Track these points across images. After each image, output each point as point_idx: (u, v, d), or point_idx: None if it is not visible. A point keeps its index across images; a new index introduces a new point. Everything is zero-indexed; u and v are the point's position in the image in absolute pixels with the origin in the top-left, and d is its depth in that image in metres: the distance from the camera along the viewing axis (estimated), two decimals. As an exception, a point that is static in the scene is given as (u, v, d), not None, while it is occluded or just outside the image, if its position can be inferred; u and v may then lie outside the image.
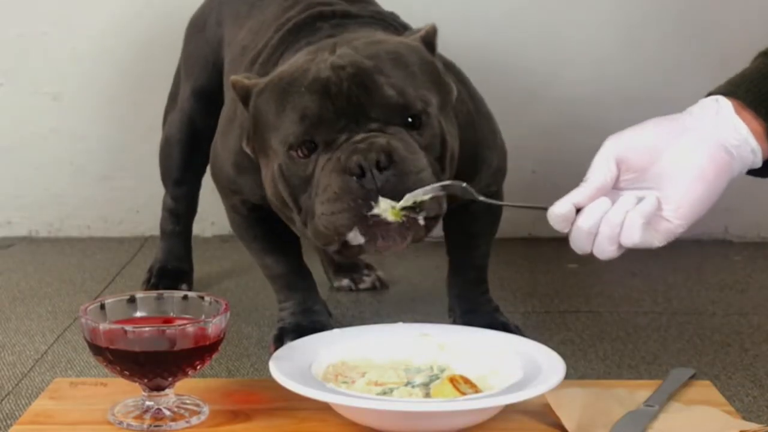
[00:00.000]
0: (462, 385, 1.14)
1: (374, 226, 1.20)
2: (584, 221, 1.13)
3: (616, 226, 1.10)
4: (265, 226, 1.50)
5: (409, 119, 1.23)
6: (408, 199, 1.17)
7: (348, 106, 1.22)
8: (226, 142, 1.46)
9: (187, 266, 1.85)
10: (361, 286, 1.82)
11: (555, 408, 1.16)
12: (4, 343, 1.57)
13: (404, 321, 1.46)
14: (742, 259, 2.07)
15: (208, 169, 1.83)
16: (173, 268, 1.83)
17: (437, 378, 1.19)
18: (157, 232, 1.90)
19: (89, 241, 2.23)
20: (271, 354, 1.25)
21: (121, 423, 1.16)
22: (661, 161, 1.11)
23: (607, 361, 1.48)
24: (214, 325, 1.15)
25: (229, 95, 1.52)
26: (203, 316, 1.18)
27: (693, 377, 1.29)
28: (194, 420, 1.16)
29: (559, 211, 1.15)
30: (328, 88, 1.22)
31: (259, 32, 1.54)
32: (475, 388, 1.15)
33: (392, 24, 1.46)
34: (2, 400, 1.34)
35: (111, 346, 1.13)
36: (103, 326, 1.13)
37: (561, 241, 2.35)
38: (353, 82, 1.22)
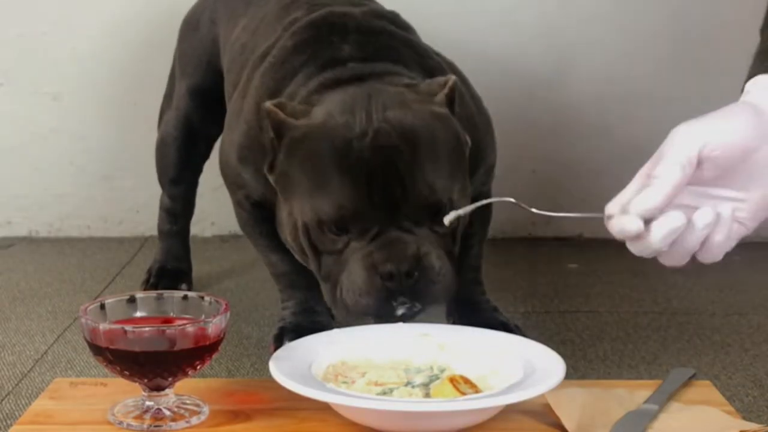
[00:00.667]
0: (462, 385, 1.14)
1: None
2: (657, 241, 1.01)
3: (693, 248, 1.03)
4: (271, 224, 1.50)
5: (435, 213, 1.27)
6: (448, 219, 1.20)
7: (384, 200, 1.26)
8: (232, 136, 1.46)
9: (186, 266, 1.85)
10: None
11: (555, 408, 1.16)
12: (4, 343, 1.57)
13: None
14: (742, 259, 2.07)
15: (206, 168, 1.84)
16: (172, 268, 1.83)
17: (437, 378, 1.19)
18: (157, 231, 1.90)
19: (89, 241, 2.23)
20: (271, 353, 1.25)
21: (121, 423, 1.16)
22: (752, 161, 1.02)
23: (607, 361, 1.48)
24: (214, 325, 1.15)
25: (234, 92, 1.52)
26: (203, 316, 1.18)
27: (693, 377, 1.29)
28: (194, 420, 1.16)
29: (629, 229, 1.01)
30: (368, 179, 1.25)
31: (258, 30, 1.53)
32: (475, 388, 1.15)
33: (400, 31, 1.46)
34: (2, 400, 1.34)
35: (111, 346, 1.12)
36: (103, 326, 1.13)
37: (561, 241, 2.36)
38: (391, 176, 1.25)
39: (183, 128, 1.77)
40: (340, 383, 1.17)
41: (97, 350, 1.15)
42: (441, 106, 1.32)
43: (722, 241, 1.03)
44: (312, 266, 1.34)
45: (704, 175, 1.02)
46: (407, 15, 1.53)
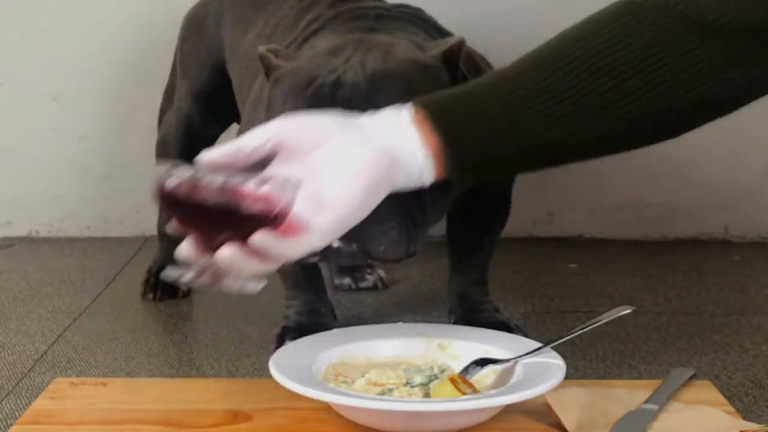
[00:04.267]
0: (462, 385, 1.14)
1: None
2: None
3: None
4: None
5: None
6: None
7: None
8: (251, 128, 1.45)
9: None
10: (362, 284, 1.83)
11: (555, 408, 1.16)
12: (4, 343, 1.57)
13: (404, 321, 1.46)
14: (742, 259, 2.07)
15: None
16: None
17: (437, 378, 1.19)
18: (156, 232, 1.90)
19: (89, 241, 2.23)
20: (271, 352, 1.25)
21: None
22: (325, 147, 1.05)
23: (607, 361, 1.48)
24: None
25: (256, 84, 1.51)
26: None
27: (693, 377, 1.29)
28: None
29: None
30: (319, 108, 1.17)
31: (273, 36, 1.53)
32: (474, 389, 1.15)
33: (423, 21, 1.43)
34: (2, 400, 1.34)
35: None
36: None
37: (561, 241, 2.36)
38: (346, 106, 1.17)
39: (184, 129, 1.77)
40: (340, 383, 1.17)
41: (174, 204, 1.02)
42: (432, 59, 1.25)
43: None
44: None
45: (282, 157, 1.05)
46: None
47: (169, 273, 1.06)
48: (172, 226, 1.05)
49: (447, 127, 1.06)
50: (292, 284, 1.53)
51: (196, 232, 1.03)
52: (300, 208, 1.01)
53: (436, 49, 1.26)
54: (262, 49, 1.28)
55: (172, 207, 1.03)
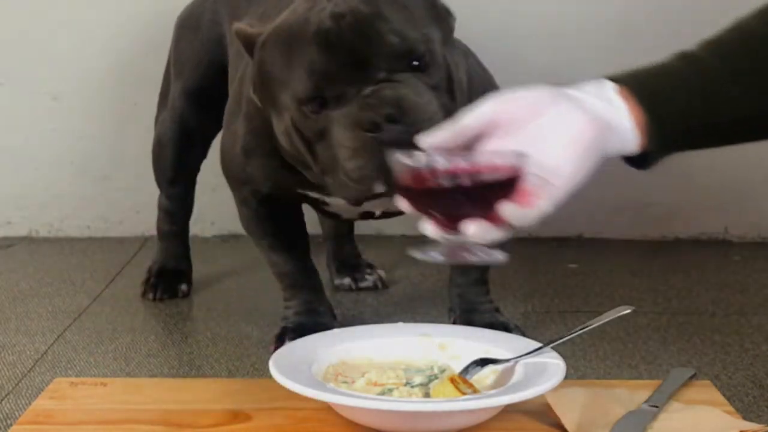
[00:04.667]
0: (462, 385, 1.14)
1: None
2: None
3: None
4: (274, 223, 1.50)
5: (415, 62, 1.24)
6: None
7: (353, 58, 1.22)
8: (233, 130, 1.45)
9: (186, 265, 1.85)
10: (362, 284, 1.83)
11: (555, 408, 1.16)
12: (4, 343, 1.57)
13: (404, 321, 1.46)
14: (742, 259, 2.07)
15: (205, 168, 1.84)
16: (172, 268, 1.83)
17: (437, 378, 1.19)
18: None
19: (89, 241, 2.23)
20: (271, 352, 1.25)
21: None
22: (542, 117, 1.09)
23: (607, 361, 1.48)
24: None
25: (232, 88, 1.52)
26: None
27: (693, 377, 1.29)
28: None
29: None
30: (331, 41, 1.23)
31: (261, 20, 1.53)
32: (474, 389, 1.15)
33: None
34: (2, 400, 1.34)
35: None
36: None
37: (561, 241, 2.36)
38: (355, 33, 1.22)
39: (179, 128, 1.77)
40: (340, 383, 1.17)
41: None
42: None
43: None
44: (314, 166, 1.29)
45: (501, 129, 1.09)
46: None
47: (416, 252, 1.09)
48: (408, 209, 1.09)
49: (650, 102, 1.13)
50: (290, 284, 1.52)
51: (438, 213, 1.08)
52: (530, 177, 1.06)
53: None
54: (235, 25, 1.30)
55: (413, 194, 1.08)
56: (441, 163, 1.04)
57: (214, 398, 1.24)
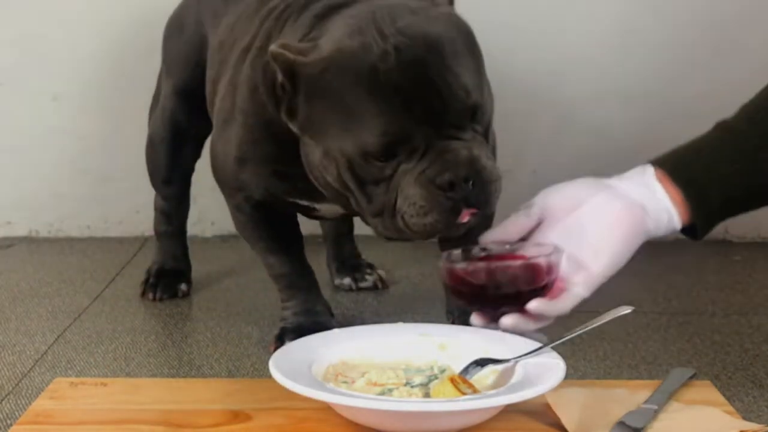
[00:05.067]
0: (462, 385, 1.14)
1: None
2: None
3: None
4: (269, 226, 1.50)
5: (473, 114, 1.26)
6: None
7: (426, 115, 1.22)
8: (226, 138, 1.45)
9: (185, 265, 1.85)
10: (362, 285, 1.83)
11: (555, 408, 1.16)
12: (4, 343, 1.57)
13: (404, 321, 1.46)
14: (742, 259, 2.07)
15: (205, 168, 1.83)
16: (171, 268, 1.83)
17: (437, 378, 1.19)
18: (155, 232, 1.90)
19: (89, 241, 2.23)
20: (271, 353, 1.25)
21: None
22: (581, 208, 1.23)
23: (607, 361, 1.48)
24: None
25: (212, 90, 1.52)
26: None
27: (693, 377, 1.29)
28: None
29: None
30: (404, 98, 1.22)
31: (236, 26, 1.52)
32: (474, 389, 1.15)
33: None
34: (2, 400, 1.34)
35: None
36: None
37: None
38: (428, 89, 1.22)
39: (170, 127, 1.76)
40: (340, 383, 1.17)
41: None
42: (446, 6, 1.31)
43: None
44: (359, 203, 1.29)
45: (549, 222, 1.26)
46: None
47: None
48: (461, 305, 1.33)
49: (686, 181, 1.24)
50: (286, 285, 1.53)
51: (481, 306, 1.25)
52: (564, 269, 1.23)
53: None
54: (273, 47, 1.27)
55: (459, 290, 1.25)
56: (480, 264, 1.23)
57: (214, 398, 1.24)
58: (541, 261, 1.21)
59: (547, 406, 1.17)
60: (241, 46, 1.46)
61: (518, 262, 1.22)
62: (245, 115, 1.40)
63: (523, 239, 1.28)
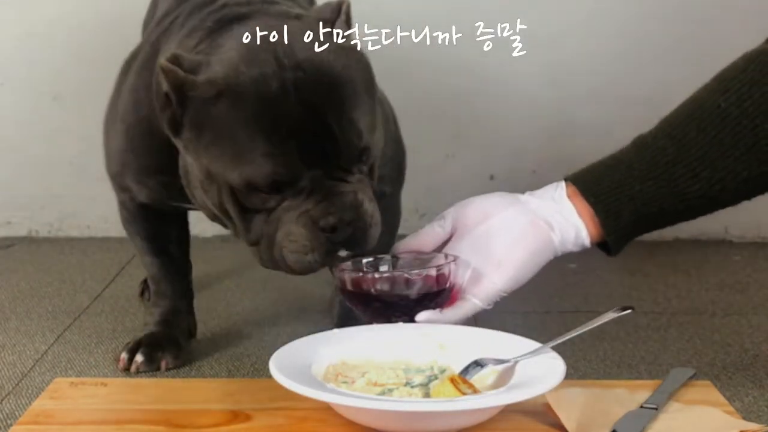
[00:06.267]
0: (462, 385, 1.14)
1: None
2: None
3: None
4: (149, 226, 1.51)
5: (362, 156, 1.25)
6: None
7: (317, 157, 1.21)
8: (109, 145, 1.48)
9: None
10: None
11: (555, 408, 1.16)
12: (4, 343, 1.57)
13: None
14: (742, 259, 2.08)
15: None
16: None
17: (437, 378, 1.19)
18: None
19: (89, 241, 2.23)
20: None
21: None
22: (489, 221, 1.26)
23: (607, 361, 1.48)
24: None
25: (111, 94, 1.51)
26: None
27: (693, 377, 1.29)
28: None
29: None
30: (298, 140, 1.19)
31: (147, 23, 1.52)
32: (474, 389, 1.15)
33: None
34: (2, 400, 1.35)
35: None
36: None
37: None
38: (323, 131, 1.20)
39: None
40: (340, 383, 1.17)
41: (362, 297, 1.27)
42: (346, 37, 1.25)
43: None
44: (237, 229, 1.27)
45: (459, 233, 1.30)
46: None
47: None
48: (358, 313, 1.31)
49: (596, 197, 1.25)
50: (155, 289, 1.54)
51: (374, 314, 1.28)
52: (466, 279, 1.26)
53: (337, 21, 1.26)
54: (163, 62, 1.21)
55: (353, 298, 1.29)
56: (374, 274, 1.27)
57: (214, 398, 1.24)
58: (432, 272, 1.25)
59: (547, 406, 1.17)
60: (128, 58, 1.46)
61: (412, 272, 1.26)
62: (127, 125, 1.39)
63: (437, 250, 1.31)
